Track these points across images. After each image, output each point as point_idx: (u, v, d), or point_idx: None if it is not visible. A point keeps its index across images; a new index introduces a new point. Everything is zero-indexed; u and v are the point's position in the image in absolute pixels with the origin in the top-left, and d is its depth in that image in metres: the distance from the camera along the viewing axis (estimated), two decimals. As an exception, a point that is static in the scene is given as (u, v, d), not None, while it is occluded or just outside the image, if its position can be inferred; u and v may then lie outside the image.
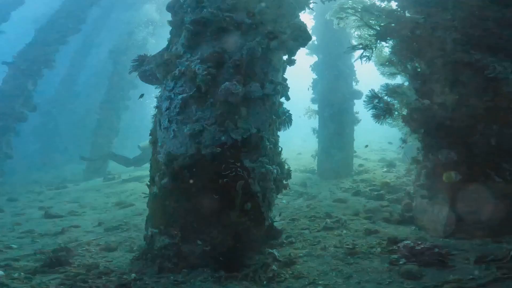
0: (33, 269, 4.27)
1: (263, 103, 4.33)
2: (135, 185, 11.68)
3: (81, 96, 27.00)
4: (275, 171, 4.36)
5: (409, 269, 3.54)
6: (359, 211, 5.98)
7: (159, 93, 4.73)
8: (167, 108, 4.28)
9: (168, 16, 4.98)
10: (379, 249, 4.22)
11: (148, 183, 5.61)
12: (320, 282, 3.52)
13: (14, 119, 13.46)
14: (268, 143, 4.30)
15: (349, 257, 4.10)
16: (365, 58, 5.81)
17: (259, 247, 4.40)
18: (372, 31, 5.92)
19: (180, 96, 4.15)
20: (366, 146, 11.49)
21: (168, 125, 4.24)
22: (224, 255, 3.95)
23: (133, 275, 4.17)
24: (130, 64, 5.49)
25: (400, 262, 3.77)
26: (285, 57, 4.86)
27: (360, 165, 11.50)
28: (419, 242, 3.96)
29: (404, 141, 5.79)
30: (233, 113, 4.07)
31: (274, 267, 3.85)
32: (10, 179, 14.14)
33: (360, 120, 11.25)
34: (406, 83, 5.81)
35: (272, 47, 4.41)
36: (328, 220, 5.39)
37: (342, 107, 10.81)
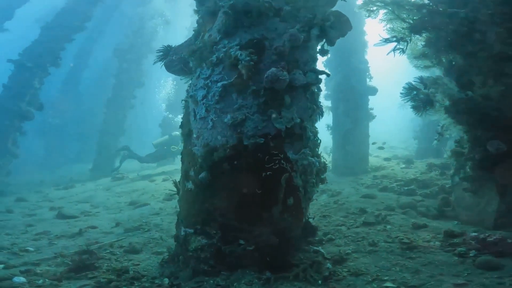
0: (57, 274, 3.88)
1: (304, 92, 3.97)
2: (145, 184, 11.29)
3: (84, 96, 26.55)
4: (317, 163, 4.00)
5: (487, 260, 3.30)
6: (393, 207, 5.65)
7: (191, 82, 4.33)
8: (204, 97, 3.88)
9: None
10: (437, 243, 3.92)
11: (171, 180, 5.29)
12: (385, 278, 3.18)
13: (20, 118, 13.02)
14: (310, 134, 3.95)
15: (407, 251, 3.77)
16: (399, 51, 5.50)
17: (299, 245, 4.06)
18: (405, 24, 5.63)
19: (219, 84, 3.77)
20: (373, 143, 11.18)
21: (206, 114, 3.84)
22: (269, 254, 3.59)
23: (166, 279, 3.82)
24: (155, 55, 5.11)
25: (471, 254, 3.51)
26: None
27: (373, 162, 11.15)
28: (488, 234, 3.67)
29: (440, 134, 5.45)
30: (277, 101, 3.71)
31: (328, 265, 3.49)
32: (16, 179, 13.68)
33: (375, 116, 10.93)
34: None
35: (312, 35, 4.05)
36: (367, 216, 5.04)
37: (357, 103, 10.46)
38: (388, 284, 3.08)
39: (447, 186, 6.24)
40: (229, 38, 3.91)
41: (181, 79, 5.36)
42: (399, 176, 8.31)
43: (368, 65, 11.10)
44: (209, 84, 3.87)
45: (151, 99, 24.29)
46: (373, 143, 11.13)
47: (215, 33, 4.02)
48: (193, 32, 5.00)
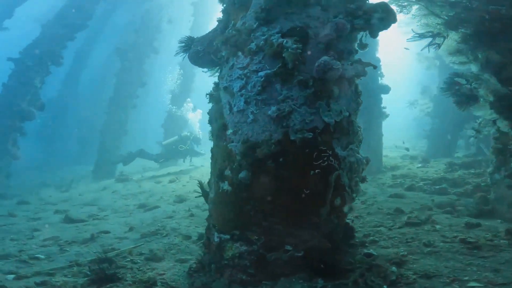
0: (78, 287, 3.44)
1: (349, 84, 3.59)
2: (151, 186, 10.83)
3: (84, 96, 26.00)
4: (364, 160, 3.63)
5: None
6: (430, 206, 5.29)
7: (222, 73, 3.91)
8: (242, 88, 3.46)
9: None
10: (503, 241, 3.57)
11: (197, 181, 4.88)
12: (465, 278, 2.84)
13: (21, 118, 12.50)
14: (358, 129, 3.58)
15: (475, 250, 3.42)
16: (434, 46, 5.22)
17: (342, 248, 3.69)
18: (439, 20, 5.34)
19: (261, 73, 3.35)
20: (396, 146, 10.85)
21: (245, 106, 3.42)
22: (319, 260, 3.19)
23: (199, 291, 3.40)
24: (178, 46, 4.70)
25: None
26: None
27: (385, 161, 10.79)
28: None
29: (477, 131, 5.11)
30: (326, 92, 3.32)
31: (393, 268, 3.10)
32: (15, 181, 13.14)
33: (388, 115, 10.58)
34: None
35: (357, 26, 3.66)
36: (410, 216, 4.68)
37: (370, 102, 10.08)
38: (473, 284, 2.75)
39: (482, 184, 5.90)
40: (269, 25, 3.52)
41: (205, 72, 4.96)
42: (420, 175, 7.95)
43: (380, 63, 10.75)
44: (248, 74, 3.46)
45: (153, 99, 23.79)
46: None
47: (251, 21, 3.61)
48: (217, 22, 4.62)
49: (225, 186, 3.48)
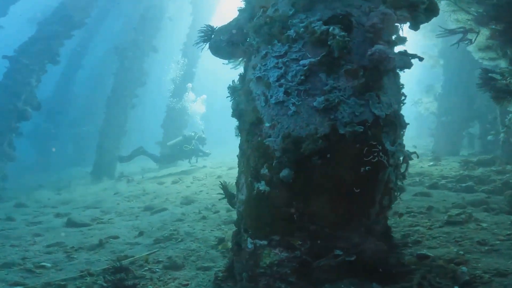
0: (96, 302, 3.05)
1: (394, 76, 3.27)
2: (154, 187, 10.40)
3: (79, 97, 25.41)
4: (412, 156, 3.33)
5: None
6: (461, 204, 4.99)
7: (253, 63, 3.54)
8: (280, 77, 3.09)
9: None
10: None
11: (220, 182, 4.51)
12: None
13: (16, 118, 11.99)
14: (407, 123, 3.27)
15: None
16: (466, 41, 4.99)
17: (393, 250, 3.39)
18: (469, 16, 5.10)
19: (303, 62, 2.99)
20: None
21: (285, 98, 3.04)
22: (372, 263, 2.85)
23: (230, 304, 3.03)
24: (198, 36, 4.32)
25: None
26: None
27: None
28: None
29: (508, 126, 4.85)
30: (376, 83, 2.98)
31: (463, 268, 2.75)
32: (11, 184, 12.61)
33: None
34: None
35: (400, 17, 3.35)
36: (451, 214, 4.37)
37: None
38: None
39: (510, 181, 5.64)
40: (307, 12, 3.17)
41: (227, 63, 4.58)
42: (436, 173, 7.65)
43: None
44: (287, 62, 3.09)
45: (152, 99, 23.31)
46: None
47: (285, 7, 3.27)
48: (238, 12, 4.26)
49: (262, 186, 3.10)
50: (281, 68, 3.13)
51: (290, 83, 3.02)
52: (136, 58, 15.54)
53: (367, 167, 2.87)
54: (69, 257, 4.70)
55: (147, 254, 4.43)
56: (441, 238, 3.70)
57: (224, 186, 4.19)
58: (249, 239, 3.20)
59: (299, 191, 2.94)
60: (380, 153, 2.93)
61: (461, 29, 5.02)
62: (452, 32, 5.04)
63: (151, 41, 16.07)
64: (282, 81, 3.08)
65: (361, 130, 2.88)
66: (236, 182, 3.78)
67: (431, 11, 3.54)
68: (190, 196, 7.98)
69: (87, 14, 15.11)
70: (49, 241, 5.64)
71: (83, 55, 26.39)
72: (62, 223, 6.94)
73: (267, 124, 3.19)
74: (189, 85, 16.04)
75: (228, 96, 4.20)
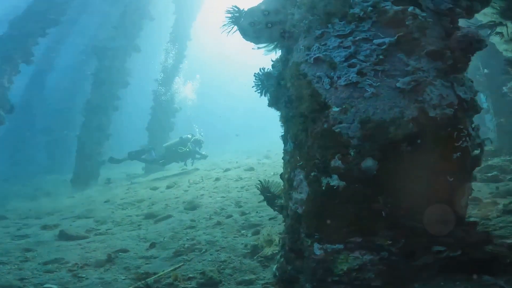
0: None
1: (468, 59, 2.88)
2: (148, 193, 9.61)
3: (51, 100, 23.91)
4: (486, 141, 2.96)
5: None
6: (502, 194, 4.67)
7: (303, 45, 3.02)
8: (350, 57, 2.62)
9: None
10: None
11: (258, 181, 3.98)
12: None
13: (-13, 122, 10.87)
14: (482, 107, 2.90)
15: None
16: (497, 35, 4.78)
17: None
18: (494, 10, 4.87)
19: (379, 41, 2.55)
20: None
21: (359, 78, 2.57)
22: (475, 256, 2.41)
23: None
24: (225, 18, 3.75)
25: None
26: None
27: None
28: None
29: None
30: (462, 65, 2.56)
31: None
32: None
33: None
34: None
35: (460, 5, 2.95)
36: (505, 203, 3.99)
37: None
38: None
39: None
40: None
41: (257, 48, 4.02)
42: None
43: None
44: (357, 42, 2.63)
45: (135, 100, 22.26)
46: None
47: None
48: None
49: (334, 181, 2.58)
50: (348, 47, 2.69)
51: (364, 63, 2.56)
52: (117, 57, 14.62)
53: (458, 153, 2.44)
54: (76, 276, 3.99)
55: (172, 270, 3.78)
56: (510, 227, 3.30)
57: (263, 186, 3.64)
58: (316, 245, 2.67)
59: (385, 183, 2.44)
60: (467, 138, 2.52)
61: (491, 23, 4.75)
62: (482, 25, 4.78)
63: (133, 40, 15.18)
64: (353, 61, 2.62)
65: (451, 113, 2.44)
66: (285, 180, 3.24)
67: (485, 1, 3.18)
68: (193, 201, 7.32)
69: (63, 11, 14.08)
70: (44, 257, 4.87)
71: (53, 58, 24.96)
72: (53, 236, 6.10)
73: (335, 109, 2.68)
74: (197, 76, 15.47)
75: (256, 85, 3.73)
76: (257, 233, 4.92)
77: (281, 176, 3.44)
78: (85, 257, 4.69)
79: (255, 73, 3.83)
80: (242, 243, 4.52)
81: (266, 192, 3.61)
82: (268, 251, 3.97)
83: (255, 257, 3.96)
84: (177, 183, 10.24)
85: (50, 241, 5.78)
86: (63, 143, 21.67)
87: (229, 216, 6.05)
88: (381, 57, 2.55)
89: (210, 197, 7.88)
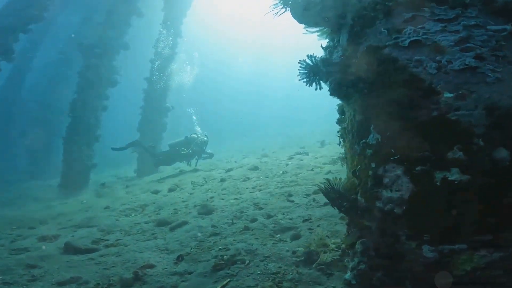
0: None
1: None
2: (149, 197, 8.88)
3: (30, 102, 22.48)
4: None
5: None
6: None
7: (387, 27, 2.56)
8: (462, 42, 2.20)
9: None
10: None
11: (325, 180, 3.45)
12: None
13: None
14: None
15: None
16: None
17: None
18: None
19: (497, 28, 2.17)
20: None
21: (478, 63, 2.13)
22: None
23: None
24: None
25: None
26: None
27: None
28: None
29: None
30: None
31: None
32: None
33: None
34: None
35: None
36: None
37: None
38: None
39: None
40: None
41: (308, 33, 3.51)
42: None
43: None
44: (469, 27, 2.21)
45: (125, 100, 21.19)
46: None
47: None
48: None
49: (454, 175, 2.10)
50: (456, 32, 2.25)
51: (482, 49, 2.13)
52: (104, 55, 13.70)
53: None
54: (105, 301, 3.34)
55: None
56: None
57: (329, 185, 3.12)
58: (426, 247, 2.20)
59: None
60: None
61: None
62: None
63: (122, 37, 14.29)
64: (469, 45, 2.16)
65: None
66: (368, 177, 2.73)
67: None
68: (207, 205, 6.70)
69: (45, 7, 13.07)
70: (55, 276, 4.19)
71: (31, 59, 23.50)
72: (57, 248, 5.38)
73: (448, 95, 2.21)
74: (195, 54, 14.81)
75: (302, 74, 3.31)
76: (296, 237, 4.41)
77: (354, 173, 2.94)
78: (106, 275, 4.04)
79: (301, 60, 3.42)
80: (286, 250, 4.00)
81: (333, 192, 3.08)
82: (326, 257, 3.47)
83: (313, 265, 3.44)
84: (179, 185, 9.56)
85: (56, 255, 5.05)
86: (45, 146, 20.42)
87: (254, 220, 5.50)
88: (502, 43, 2.12)
89: (222, 199, 7.28)
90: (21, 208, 10.25)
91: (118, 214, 7.44)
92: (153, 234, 5.74)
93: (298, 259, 3.67)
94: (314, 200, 6.03)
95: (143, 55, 17.41)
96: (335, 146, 14.38)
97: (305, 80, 3.43)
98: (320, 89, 3.53)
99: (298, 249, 3.94)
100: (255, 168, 10.18)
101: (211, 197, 7.60)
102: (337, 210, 5.15)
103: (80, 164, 12.69)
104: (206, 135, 12.70)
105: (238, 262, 3.81)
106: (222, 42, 48.64)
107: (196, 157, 12.27)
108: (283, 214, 5.60)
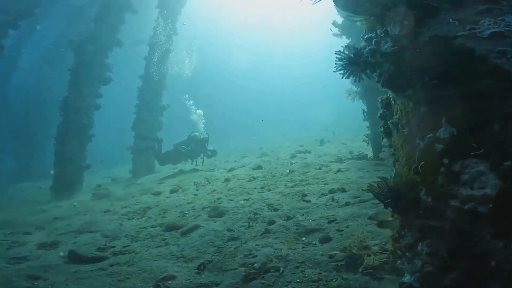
0: None
1: None
2: (151, 199, 8.35)
3: (17, 104, 21.56)
4: None
5: None
6: None
7: (458, 17, 2.26)
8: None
9: None
10: None
11: (378, 179, 3.10)
12: None
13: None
14: None
15: None
16: None
17: None
18: None
19: None
20: None
21: None
22: None
23: None
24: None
25: None
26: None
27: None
28: None
29: None
30: None
31: None
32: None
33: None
34: None
35: None
36: None
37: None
38: None
39: None
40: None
41: (350, 20, 3.17)
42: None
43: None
44: None
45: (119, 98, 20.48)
46: None
47: None
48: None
49: None
50: None
51: None
52: (97, 52, 13.08)
53: None
54: (128, 319, 2.91)
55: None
56: None
57: (385, 186, 2.77)
58: None
59: None
60: None
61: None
62: None
63: (115, 34, 13.68)
64: None
65: None
66: (440, 174, 2.39)
67: None
68: (217, 207, 6.29)
69: (36, 4, 12.41)
70: (63, 290, 3.71)
71: (17, 58, 22.55)
72: (60, 257, 4.91)
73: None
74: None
75: (339, 66, 3.03)
76: (326, 240, 4.08)
77: (416, 170, 2.60)
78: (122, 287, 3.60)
79: (337, 51, 3.16)
80: (320, 254, 3.66)
81: (389, 191, 2.74)
82: (372, 260, 3.13)
83: (359, 270, 3.10)
84: (181, 186, 9.10)
85: (60, 265, 4.58)
86: (33, 147, 19.61)
87: (272, 222, 5.13)
88: None
89: (231, 200, 6.88)
90: (12, 212, 9.62)
91: (120, 218, 6.96)
92: (163, 239, 5.30)
93: (338, 264, 3.33)
94: (333, 199, 5.70)
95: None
96: (335, 144, 14.13)
97: (342, 71, 3.18)
98: (360, 81, 3.27)
99: (334, 252, 3.60)
100: (259, 167, 9.81)
101: (218, 198, 7.19)
102: (364, 211, 4.84)
103: (72, 165, 12.06)
104: (206, 133, 12.28)
105: (271, 270, 3.43)
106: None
107: (202, 155, 11.87)
108: (303, 215, 5.25)
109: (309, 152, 11.73)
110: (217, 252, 4.33)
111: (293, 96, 49.17)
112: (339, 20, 10.09)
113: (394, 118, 3.13)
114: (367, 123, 9.28)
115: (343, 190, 6.14)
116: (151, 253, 4.71)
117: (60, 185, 11.74)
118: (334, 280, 3.06)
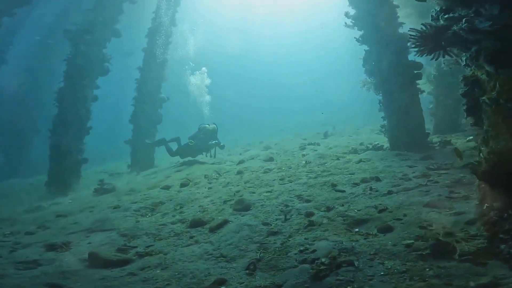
0: None
1: None
2: (162, 194, 7.61)
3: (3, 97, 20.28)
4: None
5: None
6: None
7: None
8: None
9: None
10: None
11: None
12: None
13: None
14: None
15: None
16: None
17: None
18: None
19: None
20: None
21: None
22: None
23: None
24: None
25: None
26: None
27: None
28: None
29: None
30: None
31: None
32: None
33: (423, 91, 9.24)
34: None
35: None
36: None
37: (412, 78, 8.62)
38: None
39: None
40: None
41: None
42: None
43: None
44: None
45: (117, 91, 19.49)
46: None
47: None
48: None
49: None
50: None
51: None
52: (95, 42, 12.20)
53: None
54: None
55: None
56: None
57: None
58: None
59: None
60: None
61: None
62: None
63: (113, 24, 12.79)
64: None
65: None
66: None
67: None
68: (243, 200, 5.71)
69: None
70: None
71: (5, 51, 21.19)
72: (78, 260, 4.25)
73: None
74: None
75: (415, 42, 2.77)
76: (388, 230, 3.63)
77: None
78: (165, 296, 2.99)
79: (412, 28, 3.00)
80: (392, 244, 3.18)
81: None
82: (467, 246, 2.75)
83: (454, 257, 2.67)
84: (191, 179, 8.43)
85: (81, 270, 3.93)
86: (21, 141, 18.47)
87: (310, 214, 4.62)
88: None
89: (253, 193, 6.31)
90: (7, 210, 8.78)
91: (133, 214, 6.27)
92: (191, 237, 4.70)
93: (422, 253, 2.86)
94: (370, 188, 5.22)
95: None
96: (341, 137, 13.67)
97: (419, 49, 2.94)
98: (444, 57, 2.99)
99: (408, 242, 3.12)
100: (270, 159, 9.27)
101: (237, 191, 6.59)
102: (415, 199, 4.34)
103: (68, 159, 11.22)
104: (214, 124, 11.68)
105: (344, 265, 2.90)
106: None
107: (216, 147, 11.28)
108: (342, 205, 4.76)
109: (318, 144, 11.24)
110: (262, 249, 3.77)
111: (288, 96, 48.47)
112: (351, 12, 9.63)
113: (492, 94, 2.76)
114: (366, 119, 8.96)
115: (377, 179, 5.67)
116: (183, 253, 4.11)
117: (56, 180, 10.90)
118: (428, 269, 2.58)
